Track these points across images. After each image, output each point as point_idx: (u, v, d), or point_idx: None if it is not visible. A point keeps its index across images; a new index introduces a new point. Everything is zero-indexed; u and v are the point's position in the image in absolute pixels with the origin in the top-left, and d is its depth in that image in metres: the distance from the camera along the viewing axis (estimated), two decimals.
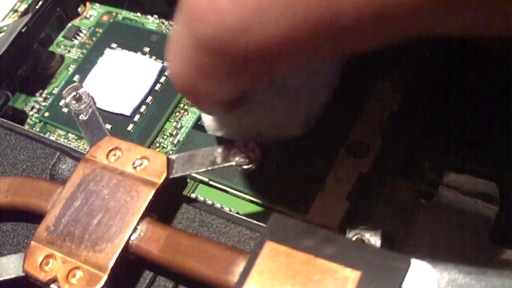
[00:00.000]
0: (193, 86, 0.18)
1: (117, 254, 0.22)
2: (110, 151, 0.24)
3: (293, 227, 0.19)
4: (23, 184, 0.25)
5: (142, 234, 0.22)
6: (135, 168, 0.23)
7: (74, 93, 0.28)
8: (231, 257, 0.20)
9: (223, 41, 0.14)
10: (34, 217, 0.26)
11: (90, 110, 0.27)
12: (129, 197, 0.23)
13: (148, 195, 0.22)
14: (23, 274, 0.23)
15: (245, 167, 0.22)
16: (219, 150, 0.22)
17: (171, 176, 0.23)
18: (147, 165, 0.23)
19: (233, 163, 0.22)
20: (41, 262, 0.23)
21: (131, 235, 0.22)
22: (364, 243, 0.19)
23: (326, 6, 0.13)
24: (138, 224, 0.22)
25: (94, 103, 0.28)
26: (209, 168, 0.23)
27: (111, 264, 0.21)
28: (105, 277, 0.21)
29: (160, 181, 0.23)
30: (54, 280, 0.22)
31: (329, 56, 0.15)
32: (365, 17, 0.13)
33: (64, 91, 0.28)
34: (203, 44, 0.15)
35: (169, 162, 0.23)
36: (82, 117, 0.27)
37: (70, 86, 0.28)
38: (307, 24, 0.13)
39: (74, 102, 0.27)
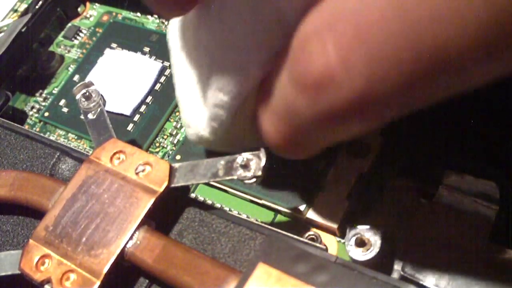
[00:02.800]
0: (298, 144, 0.18)
1: (112, 261, 0.22)
2: (115, 154, 0.24)
3: (288, 250, 0.19)
4: (27, 179, 0.25)
5: (138, 242, 0.22)
6: (137, 173, 0.23)
7: (84, 90, 0.27)
8: (223, 275, 0.20)
9: (347, 107, 0.15)
10: (35, 216, 0.26)
11: (99, 109, 0.27)
12: (129, 203, 0.23)
13: (147, 202, 0.22)
14: (19, 272, 0.23)
15: (247, 181, 0.21)
16: (222, 162, 0.22)
17: (172, 185, 0.23)
18: (149, 171, 0.23)
19: (235, 177, 0.22)
20: (37, 262, 0.23)
21: (127, 242, 0.22)
22: (357, 271, 0.19)
23: (428, 59, 0.14)
24: (135, 232, 0.22)
25: (104, 103, 0.27)
26: (211, 180, 0.22)
27: (105, 270, 0.21)
28: (98, 283, 0.21)
29: (160, 189, 0.23)
30: (48, 281, 0.22)
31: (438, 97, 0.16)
32: (470, 57, 0.14)
33: (75, 88, 0.28)
34: (328, 113, 0.16)
35: (172, 171, 0.23)
36: (90, 116, 0.27)
37: (82, 83, 0.28)
38: (415, 75, 0.14)
39: (84, 100, 0.27)
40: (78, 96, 0.27)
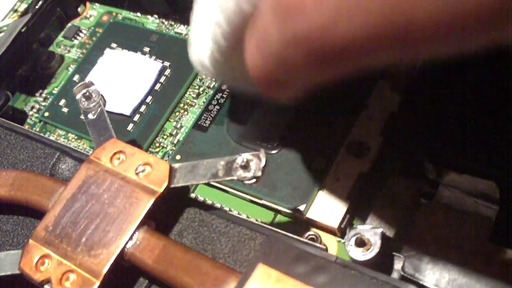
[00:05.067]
0: (274, 77, 0.18)
1: (111, 261, 0.22)
2: (115, 154, 0.24)
3: (287, 251, 0.19)
4: (28, 179, 0.25)
5: (138, 242, 0.22)
6: (137, 174, 0.23)
7: (84, 90, 0.27)
8: (222, 276, 0.20)
9: (312, 37, 0.16)
10: (35, 216, 0.26)
11: (99, 109, 0.27)
12: (129, 203, 0.22)
13: (147, 203, 0.22)
14: (19, 272, 0.23)
15: (246, 182, 0.22)
16: (222, 163, 0.22)
17: (172, 186, 0.23)
18: (149, 171, 0.23)
19: (235, 178, 0.22)
20: (37, 262, 0.23)
21: (127, 243, 0.22)
22: (357, 271, 0.19)
23: (400, 11, 0.14)
24: (135, 232, 0.22)
25: (104, 103, 0.27)
26: (211, 180, 0.23)
27: (104, 270, 0.21)
28: (97, 283, 0.21)
29: (160, 190, 0.23)
30: (48, 281, 0.22)
31: (403, 57, 0.16)
32: (438, 26, 0.14)
33: (75, 88, 0.28)
34: (293, 39, 0.16)
35: (172, 171, 0.23)
36: (90, 116, 0.27)
37: (82, 83, 0.28)
38: (382, 26, 0.14)
39: (84, 100, 0.27)
40: (78, 96, 0.27)
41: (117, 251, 0.22)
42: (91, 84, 0.28)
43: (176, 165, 0.23)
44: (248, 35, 0.19)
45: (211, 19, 0.22)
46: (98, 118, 0.27)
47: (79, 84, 0.28)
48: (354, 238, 0.23)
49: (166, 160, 0.28)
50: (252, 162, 0.21)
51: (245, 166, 0.21)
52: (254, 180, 0.21)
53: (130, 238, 0.22)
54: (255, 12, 0.19)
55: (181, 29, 0.35)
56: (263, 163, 0.21)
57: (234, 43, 0.22)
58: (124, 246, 0.22)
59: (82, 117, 0.33)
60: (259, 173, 0.21)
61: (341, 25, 0.15)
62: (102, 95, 0.27)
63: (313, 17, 0.15)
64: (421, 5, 0.14)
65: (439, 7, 0.13)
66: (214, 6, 0.22)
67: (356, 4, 0.14)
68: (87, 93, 0.27)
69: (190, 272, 0.20)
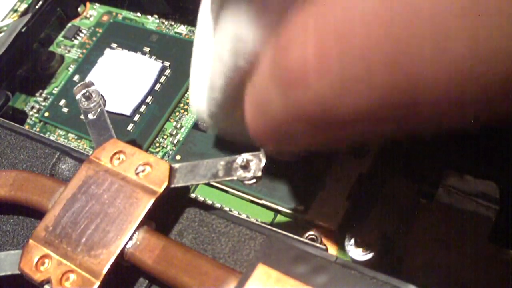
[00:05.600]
0: (274, 139, 0.18)
1: (111, 261, 0.21)
2: (115, 154, 0.24)
3: (287, 251, 0.19)
4: (28, 179, 0.25)
5: (138, 242, 0.22)
6: (137, 174, 0.23)
7: (84, 90, 0.27)
8: (222, 276, 0.20)
9: (315, 109, 0.15)
10: (35, 216, 0.26)
11: (99, 109, 0.27)
12: (129, 204, 0.22)
13: (147, 203, 0.22)
14: (19, 272, 0.23)
15: (246, 182, 0.21)
16: (222, 163, 0.22)
17: (172, 186, 0.23)
18: (149, 171, 0.23)
19: (235, 178, 0.22)
20: (37, 262, 0.23)
21: (127, 243, 0.22)
22: (357, 271, 0.19)
23: (403, 86, 0.14)
24: (135, 232, 0.22)
25: (104, 103, 0.27)
26: (211, 180, 0.22)
27: (104, 270, 0.21)
28: (97, 284, 0.21)
29: (160, 190, 0.22)
30: (48, 281, 0.22)
31: (406, 132, 0.16)
32: (442, 104, 0.13)
33: (75, 88, 0.28)
34: (295, 110, 0.16)
35: (172, 171, 0.23)
36: (90, 116, 0.27)
37: (82, 83, 0.28)
38: (386, 100, 0.14)
39: (84, 100, 0.27)
40: (78, 96, 0.27)
41: (117, 251, 0.22)
42: (91, 84, 0.28)
43: (176, 165, 0.23)
44: (248, 94, 0.19)
45: (207, 72, 0.22)
46: (98, 118, 0.27)
47: (79, 84, 0.28)
48: (354, 238, 0.23)
49: (166, 160, 0.28)
50: (252, 162, 0.21)
51: (245, 166, 0.21)
52: (254, 181, 0.21)
53: (130, 238, 0.22)
54: (252, 70, 0.19)
55: (181, 29, 0.35)
56: (263, 164, 0.21)
57: (231, 98, 0.22)
58: (124, 246, 0.22)
59: (82, 117, 0.33)
60: (259, 173, 0.21)
61: (344, 99, 0.15)
62: (102, 95, 0.27)
63: (316, 90, 0.15)
64: (424, 84, 0.13)
65: (443, 85, 0.13)
66: (210, 58, 0.22)
67: (360, 79, 0.14)
68: (87, 93, 0.27)
69: (190, 272, 0.20)
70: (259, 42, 0.19)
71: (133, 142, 0.26)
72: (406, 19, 0.13)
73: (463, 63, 0.12)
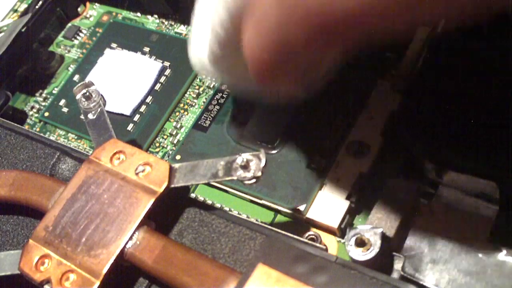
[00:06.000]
0: (273, 61, 0.18)
1: (111, 261, 0.21)
2: (115, 154, 0.24)
3: (287, 251, 0.19)
4: (28, 179, 0.25)
5: (138, 242, 0.22)
6: (137, 174, 0.23)
7: (84, 90, 0.27)
8: (222, 276, 0.20)
9: (313, 8, 0.15)
10: (35, 216, 0.26)
11: (99, 109, 0.27)
12: (129, 203, 0.22)
13: (147, 203, 0.22)
14: (18, 272, 0.23)
15: (246, 182, 0.21)
16: (222, 163, 0.22)
17: (172, 186, 0.23)
18: (149, 171, 0.23)
19: (235, 178, 0.22)
20: (36, 262, 0.23)
21: (127, 243, 0.22)
22: (357, 271, 0.19)
23: None
24: (134, 232, 0.22)
25: (104, 103, 0.27)
26: (211, 180, 0.22)
27: (104, 270, 0.21)
28: (97, 283, 0.21)
29: (160, 190, 0.22)
30: (48, 281, 0.22)
31: (404, 27, 0.16)
32: None
33: (76, 88, 0.28)
34: (293, 13, 0.16)
35: (172, 171, 0.23)
36: (90, 116, 0.27)
37: (82, 83, 0.28)
38: None
39: (84, 100, 0.27)
40: (78, 96, 0.27)
41: (117, 251, 0.22)
42: (91, 84, 0.28)
43: (176, 165, 0.23)
44: (246, 21, 0.18)
45: (210, 12, 0.22)
46: (98, 118, 0.27)
47: (79, 84, 0.28)
48: (354, 238, 0.23)
49: (166, 160, 0.28)
50: (252, 162, 0.21)
51: (245, 166, 0.21)
52: (254, 180, 0.21)
53: (130, 238, 0.22)
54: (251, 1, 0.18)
55: (181, 29, 0.35)
56: (263, 163, 0.21)
57: (233, 33, 0.21)
58: (124, 246, 0.22)
59: (82, 117, 0.33)
60: (259, 173, 0.21)
61: None
62: (102, 95, 0.27)
63: None
64: None
65: None
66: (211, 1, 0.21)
67: None
68: (87, 93, 0.27)
69: (190, 272, 0.20)
70: None
71: (133, 142, 0.26)
72: None
73: None
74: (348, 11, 0.15)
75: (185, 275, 0.20)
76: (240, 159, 0.22)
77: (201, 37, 0.24)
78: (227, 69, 0.24)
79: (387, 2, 0.14)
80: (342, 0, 0.15)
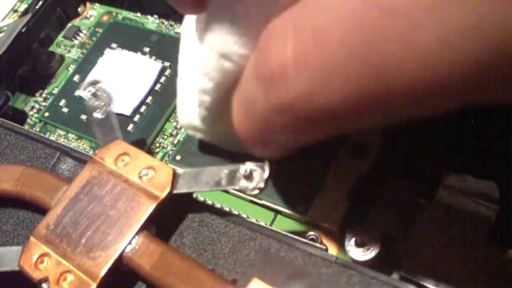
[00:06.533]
0: (260, 139, 0.19)
1: (109, 265, 0.21)
2: (119, 155, 0.24)
3: (284, 267, 0.19)
4: (33, 175, 0.26)
5: (137, 247, 0.22)
6: (140, 177, 0.23)
7: (92, 88, 0.27)
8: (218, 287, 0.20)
9: (296, 104, 0.16)
10: (36, 216, 0.26)
11: (106, 109, 0.27)
12: (130, 207, 0.22)
13: (148, 208, 0.22)
14: (18, 269, 0.23)
15: (249, 192, 0.21)
16: (225, 171, 0.22)
17: (175, 192, 0.23)
18: (152, 176, 0.23)
19: (237, 187, 0.22)
20: (36, 260, 0.23)
21: (125, 247, 0.22)
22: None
23: (376, 82, 0.14)
24: (134, 236, 0.22)
25: (111, 102, 0.27)
26: (213, 189, 0.22)
27: (102, 273, 0.21)
28: (93, 286, 0.21)
29: (162, 195, 0.22)
30: (46, 280, 0.22)
31: (383, 121, 0.17)
32: (415, 92, 0.14)
33: (83, 85, 0.27)
34: (278, 106, 0.17)
35: (175, 177, 0.23)
36: (96, 114, 0.27)
37: (90, 80, 0.28)
38: (361, 94, 0.15)
39: (91, 97, 0.27)
40: (86, 94, 0.27)
41: (116, 255, 0.22)
42: (99, 82, 0.27)
43: (180, 171, 0.23)
44: (235, 97, 0.20)
45: (195, 79, 0.23)
46: (106, 118, 0.27)
47: (87, 82, 0.27)
48: (354, 238, 0.23)
49: (166, 162, 0.28)
50: (256, 172, 0.21)
51: (248, 177, 0.21)
52: (257, 191, 0.21)
53: (129, 242, 0.22)
54: (238, 72, 0.20)
55: (181, 29, 0.35)
56: (266, 175, 0.21)
57: (220, 102, 0.23)
58: (123, 250, 0.22)
59: (82, 117, 0.33)
60: (262, 184, 0.21)
61: (323, 93, 0.15)
62: (110, 94, 0.27)
63: (296, 85, 0.16)
64: (399, 73, 0.14)
65: (416, 75, 0.14)
66: (197, 68, 0.23)
67: (338, 70, 0.15)
68: (95, 91, 0.27)
69: (187, 281, 0.20)
70: (244, 46, 0.19)
71: (133, 143, 0.26)
72: (376, 18, 0.14)
73: (429, 53, 0.13)
74: (330, 107, 0.16)
75: (181, 283, 0.20)
76: (244, 169, 0.21)
77: (189, 103, 0.26)
78: (217, 131, 0.25)
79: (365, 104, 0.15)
80: (325, 99, 0.16)
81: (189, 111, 0.26)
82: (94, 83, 0.27)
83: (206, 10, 0.21)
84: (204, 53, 0.21)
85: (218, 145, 0.27)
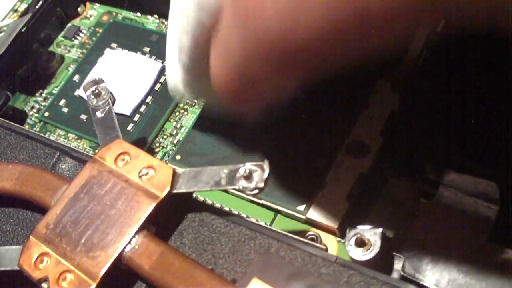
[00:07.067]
0: (238, 88, 0.19)
1: (109, 264, 0.21)
2: (119, 155, 0.24)
3: (283, 267, 0.19)
4: (33, 174, 0.25)
5: (137, 247, 0.22)
6: (140, 177, 0.23)
7: (94, 87, 0.27)
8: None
9: (273, 38, 0.16)
10: (36, 216, 0.26)
11: (107, 108, 0.27)
12: (130, 207, 0.22)
13: (148, 207, 0.22)
14: (18, 268, 0.23)
15: (248, 192, 0.21)
16: (225, 171, 0.22)
17: (174, 191, 0.23)
18: (152, 175, 0.23)
19: (237, 187, 0.21)
20: (36, 259, 0.23)
21: (125, 246, 0.22)
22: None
23: (352, 6, 0.14)
24: (134, 236, 0.22)
25: (113, 101, 0.27)
26: (213, 188, 0.22)
27: (101, 273, 0.21)
28: (93, 286, 0.21)
29: (162, 195, 0.22)
30: (46, 279, 0.22)
31: (361, 54, 0.17)
32: (390, 12, 0.14)
33: (85, 84, 0.28)
34: (255, 43, 0.16)
35: (175, 176, 0.23)
36: (98, 114, 0.27)
37: (92, 79, 0.28)
38: (340, 17, 0.15)
39: (93, 97, 0.27)
40: (87, 93, 0.27)
41: (115, 255, 0.22)
42: (101, 81, 0.27)
43: (180, 171, 0.23)
44: (212, 48, 0.19)
45: (176, 37, 0.23)
46: (106, 117, 0.27)
47: (89, 81, 0.27)
48: (354, 238, 0.23)
49: (166, 161, 0.28)
50: (256, 173, 0.21)
51: (248, 177, 0.21)
52: (256, 191, 0.21)
53: (129, 242, 0.22)
54: (215, 25, 0.19)
55: None
56: (266, 175, 0.21)
57: (200, 58, 0.22)
58: (123, 250, 0.22)
59: (82, 117, 0.33)
60: (262, 185, 0.21)
61: (300, 22, 0.15)
62: (111, 93, 0.27)
63: (273, 16, 0.16)
64: None
65: None
66: (177, 22, 0.22)
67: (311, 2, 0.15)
68: (96, 90, 0.27)
69: (186, 281, 0.20)
70: None
71: (133, 142, 0.26)
72: None
73: None
74: (308, 37, 0.16)
75: (180, 283, 0.20)
76: (243, 169, 0.21)
77: (172, 61, 0.25)
78: (199, 91, 0.25)
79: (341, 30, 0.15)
80: (300, 30, 0.15)
81: (174, 71, 0.25)
82: (97, 82, 0.27)
83: None
84: (182, 6, 0.21)
85: (203, 102, 0.27)
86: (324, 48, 0.16)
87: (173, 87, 0.26)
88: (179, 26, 0.22)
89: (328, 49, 0.16)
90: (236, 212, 0.27)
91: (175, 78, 0.25)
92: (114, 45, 0.36)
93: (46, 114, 0.34)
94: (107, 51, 0.35)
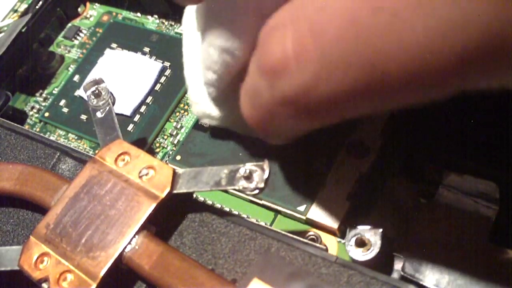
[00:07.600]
0: (267, 126, 0.20)
1: (109, 264, 0.21)
2: (120, 155, 0.24)
3: (283, 267, 0.20)
4: (33, 175, 0.25)
5: (137, 247, 0.22)
6: (140, 177, 0.23)
7: (94, 88, 0.27)
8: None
9: (298, 95, 0.17)
10: (36, 216, 0.26)
11: (107, 108, 0.27)
12: (130, 207, 0.22)
13: (148, 208, 0.22)
14: (18, 268, 0.23)
15: (249, 192, 0.21)
16: (225, 171, 0.22)
17: (175, 191, 0.23)
18: (152, 175, 0.23)
19: (237, 188, 0.21)
20: (36, 259, 0.23)
21: (125, 247, 0.22)
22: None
23: (371, 72, 0.15)
24: (134, 236, 0.22)
25: (113, 102, 0.27)
26: (213, 189, 0.22)
27: (102, 273, 0.21)
28: (93, 286, 0.21)
29: (162, 195, 0.22)
30: (46, 279, 0.22)
31: (381, 108, 0.18)
32: (409, 77, 0.15)
33: (85, 84, 0.28)
34: (281, 97, 0.18)
35: (175, 177, 0.23)
36: (98, 114, 0.27)
37: (92, 79, 0.28)
38: (361, 81, 0.16)
39: (93, 97, 0.27)
40: (88, 93, 0.27)
41: (115, 255, 0.22)
42: (101, 81, 0.27)
43: (180, 171, 0.23)
44: (242, 89, 0.20)
45: (199, 71, 0.24)
46: (106, 117, 0.27)
47: (89, 81, 0.27)
48: (354, 238, 0.23)
49: (166, 162, 0.28)
50: (256, 173, 0.21)
51: (248, 177, 0.21)
52: (256, 191, 0.21)
53: (129, 242, 0.22)
54: (242, 67, 0.21)
55: (181, 29, 0.35)
56: (266, 175, 0.21)
57: (227, 90, 0.23)
58: (123, 250, 0.22)
59: (82, 117, 0.33)
60: (262, 185, 0.21)
61: (322, 84, 0.16)
62: (111, 93, 0.27)
63: (297, 77, 0.17)
64: (394, 59, 0.15)
65: (410, 60, 0.15)
66: (200, 62, 0.23)
67: (336, 63, 0.16)
68: (97, 91, 0.27)
69: (186, 281, 0.20)
70: (244, 40, 0.20)
71: (133, 143, 0.26)
72: (369, 16, 0.15)
73: (416, 46, 0.15)
74: (330, 97, 0.17)
75: (180, 283, 0.20)
76: (243, 169, 0.21)
77: (198, 93, 0.26)
78: (229, 119, 0.26)
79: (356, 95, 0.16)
80: (325, 91, 0.16)
81: (201, 102, 0.26)
82: (97, 82, 0.27)
83: (204, 1, 0.21)
84: (206, 48, 0.21)
85: (232, 129, 0.28)
86: (347, 103, 0.17)
87: (202, 116, 0.27)
88: (203, 62, 0.22)
89: (351, 104, 0.17)
90: (236, 213, 0.27)
91: (202, 108, 0.26)
92: (114, 45, 0.36)
93: (46, 114, 0.34)
94: (107, 51, 0.35)
